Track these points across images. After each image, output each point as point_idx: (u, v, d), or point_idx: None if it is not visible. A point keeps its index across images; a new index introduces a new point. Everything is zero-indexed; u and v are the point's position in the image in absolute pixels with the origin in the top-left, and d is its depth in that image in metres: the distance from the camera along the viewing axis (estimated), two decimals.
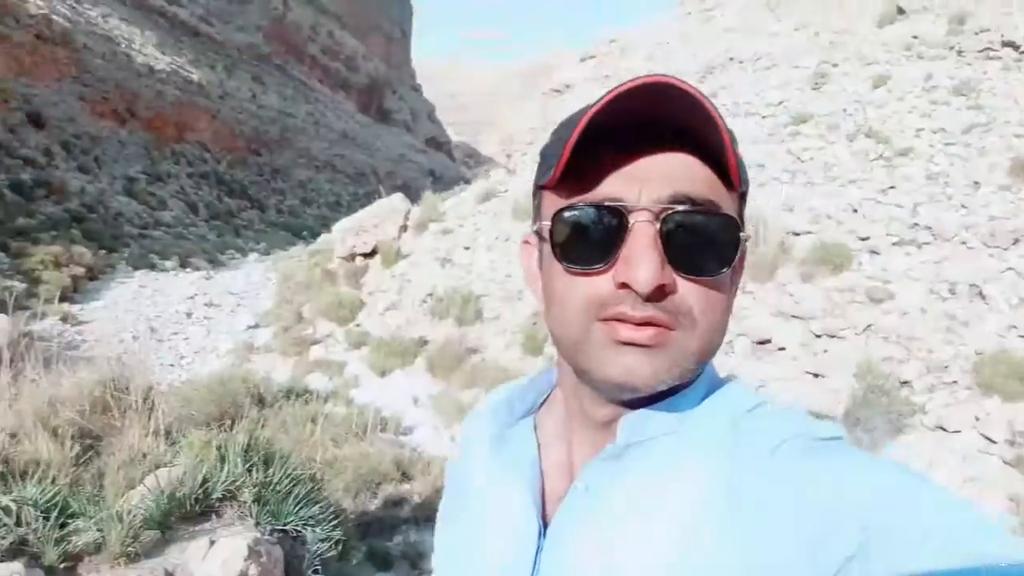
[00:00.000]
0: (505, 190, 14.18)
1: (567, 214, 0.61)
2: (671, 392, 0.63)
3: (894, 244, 8.31)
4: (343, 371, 10.25)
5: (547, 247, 0.64)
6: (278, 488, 2.91)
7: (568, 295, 0.62)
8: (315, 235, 24.28)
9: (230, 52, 53.41)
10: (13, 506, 2.26)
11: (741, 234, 0.61)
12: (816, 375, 6.93)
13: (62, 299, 13.85)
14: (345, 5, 75.62)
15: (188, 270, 20.96)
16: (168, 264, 21.34)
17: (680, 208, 0.58)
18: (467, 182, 22.04)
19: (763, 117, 12.69)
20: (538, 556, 0.67)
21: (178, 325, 14.08)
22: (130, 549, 2.35)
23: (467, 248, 12.29)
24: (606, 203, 0.59)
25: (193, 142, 43.49)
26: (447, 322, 10.44)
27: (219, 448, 2.97)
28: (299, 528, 2.84)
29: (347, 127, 63.58)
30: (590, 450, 0.67)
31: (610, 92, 0.56)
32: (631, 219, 0.58)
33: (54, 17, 36.39)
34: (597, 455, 0.65)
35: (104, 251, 20.33)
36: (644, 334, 0.58)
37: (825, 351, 7.16)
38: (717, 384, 0.68)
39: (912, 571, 0.46)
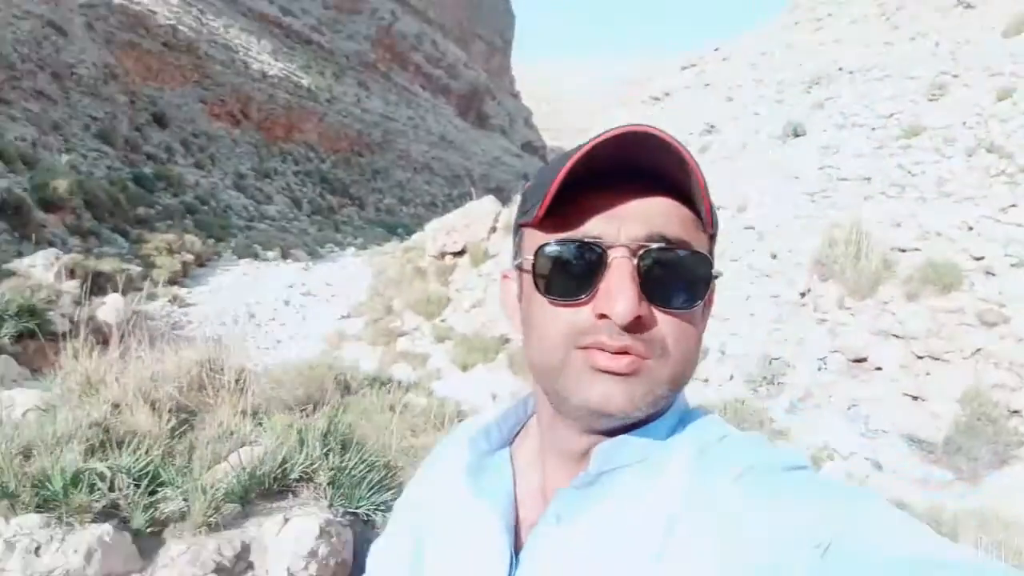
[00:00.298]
0: None
1: (549, 249, 0.64)
2: (644, 422, 0.65)
3: (1012, 266, 7.72)
4: (426, 363, 10.43)
5: (528, 280, 0.67)
6: (353, 473, 2.97)
7: (549, 324, 0.64)
8: (410, 233, 24.86)
9: (339, 59, 55.61)
10: (108, 472, 2.40)
11: (712, 271, 0.65)
12: (916, 398, 6.52)
13: (172, 282, 14.80)
14: (449, 15, 77.33)
15: (289, 261, 21.96)
16: (270, 255, 22.41)
17: (655, 246, 0.62)
18: None
19: (872, 129, 12.05)
20: None
21: (276, 311, 14.70)
22: (211, 519, 2.46)
23: None
24: (587, 240, 0.63)
25: (300, 142, 45.56)
26: None
27: (299, 432, 3.07)
28: (370, 512, 2.90)
29: (446, 131, 64.93)
30: (564, 479, 0.69)
31: (594, 139, 0.59)
32: (610, 255, 0.62)
33: (180, 27, 39.00)
34: (570, 483, 0.67)
35: (213, 240, 21.59)
36: (620, 363, 0.61)
37: (927, 374, 6.73)
38: (688, 415, 0.70)
39: None
